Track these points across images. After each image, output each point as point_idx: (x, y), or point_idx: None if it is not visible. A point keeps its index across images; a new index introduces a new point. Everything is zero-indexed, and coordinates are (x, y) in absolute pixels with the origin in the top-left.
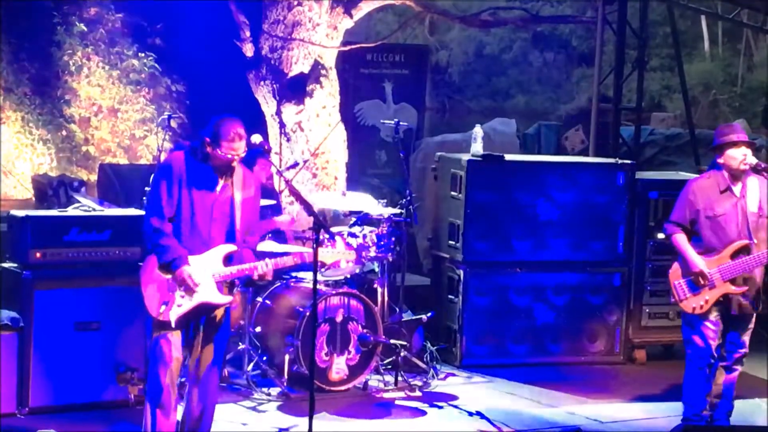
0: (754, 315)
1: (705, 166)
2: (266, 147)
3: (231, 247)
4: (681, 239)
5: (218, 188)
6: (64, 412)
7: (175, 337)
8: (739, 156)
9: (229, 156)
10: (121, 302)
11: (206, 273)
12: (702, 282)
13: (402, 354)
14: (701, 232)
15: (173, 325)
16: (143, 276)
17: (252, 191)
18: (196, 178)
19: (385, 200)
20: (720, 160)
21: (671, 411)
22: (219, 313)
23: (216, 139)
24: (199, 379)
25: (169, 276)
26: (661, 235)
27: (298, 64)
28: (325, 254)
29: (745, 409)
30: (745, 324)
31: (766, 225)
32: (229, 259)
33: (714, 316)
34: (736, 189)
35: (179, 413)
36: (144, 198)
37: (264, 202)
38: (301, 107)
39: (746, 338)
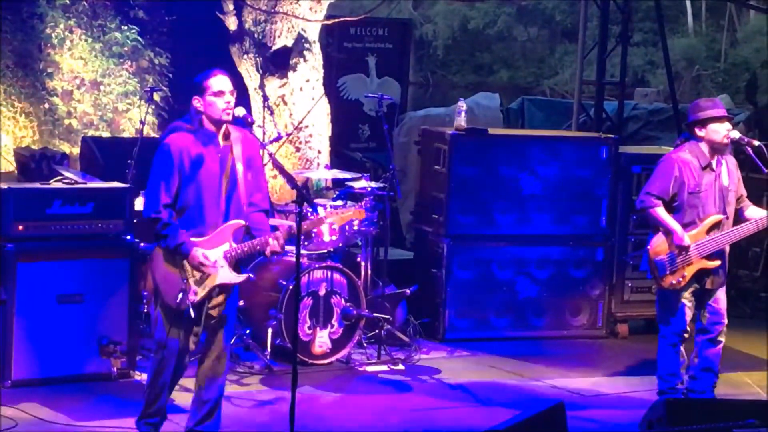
0: (725, 286)
1: None
2: (249, 120)
3: (239, 223)
4: (663, 213)
5: (222, 156)
6: (47, 384)
7: (188, 332)
8: (723, 131)
9: (220, 93)
10: (104, 275)
11: (218, 254)
12: (682, 258)
13: (385, 328)
14: (681, 206)
15: (192, 313)
16: (153, 269)
17: (252, 152)
18: (199, 154)
19: (369, 174)
20: (701, 134)
21: (653, 385)
22: (225, 294)
23: (200, 87)
24: (210, 364)
25: (179, 265)
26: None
27: (281, 37)
28: (335, 216)
29: (728, 383)
30: (719, 296)
31: (735, 200)
32: (238, 235)
33: (689, 291)
34: (714, 164)
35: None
36: (127, 171)
37: None
38: (284, 81)
39: (724, 309)
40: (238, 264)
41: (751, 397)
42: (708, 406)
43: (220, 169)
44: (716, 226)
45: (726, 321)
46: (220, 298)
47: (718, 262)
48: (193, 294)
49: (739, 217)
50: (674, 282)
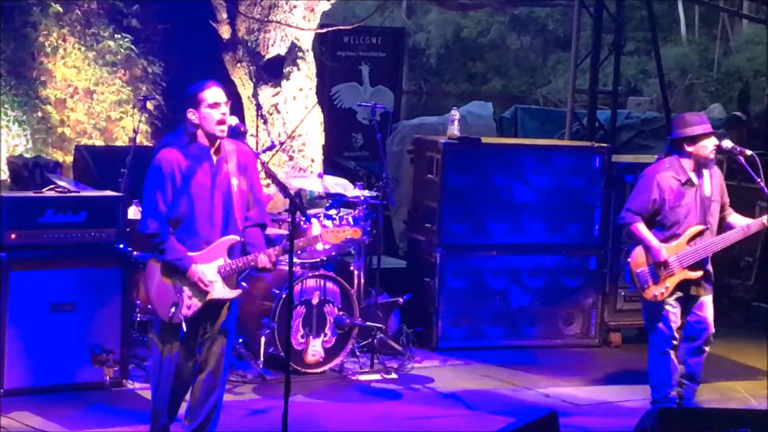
0: (712, 294)
1: None
2: (242, 129)
3: (233, 238)
4: (642, 228)
5: (214, 170)
6: (40, 393)
7: (185, 347)
8: (711, 146)
9: (216, 105)
10: (97, 283)
11: (212, 269)
12: (664, 270)
13: (378, 336)
14: (663, 221)
15: (184, 327)
16: (147, 282)
17: (248, 165)
18: (190, 169)
19: (362, 183)
20: (690, 149)
21: (646, 394)
22: (225, 307)
23: (194, 99)
24: (207, 375)
25: (173, 278)
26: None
27: (274, 46)
28: (330, 234)
29: (720, 392)
30: (704, 302)
31: (718, 210)
32: (233, 250)
33: (673, 300)
34: (693, 178)
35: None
36: (120, 180)
37: None
38: (277, 89)
39: (711, 318)
40: (234, 279)
41: (743, 407)
42: (700, 415)
43: (212, 183)
44: (697, 236)
45: (712, 330)
46: (218, 313)
47: (700, 273)
48: (186, 308)
49: (723, 226)
50: (657, 294)
